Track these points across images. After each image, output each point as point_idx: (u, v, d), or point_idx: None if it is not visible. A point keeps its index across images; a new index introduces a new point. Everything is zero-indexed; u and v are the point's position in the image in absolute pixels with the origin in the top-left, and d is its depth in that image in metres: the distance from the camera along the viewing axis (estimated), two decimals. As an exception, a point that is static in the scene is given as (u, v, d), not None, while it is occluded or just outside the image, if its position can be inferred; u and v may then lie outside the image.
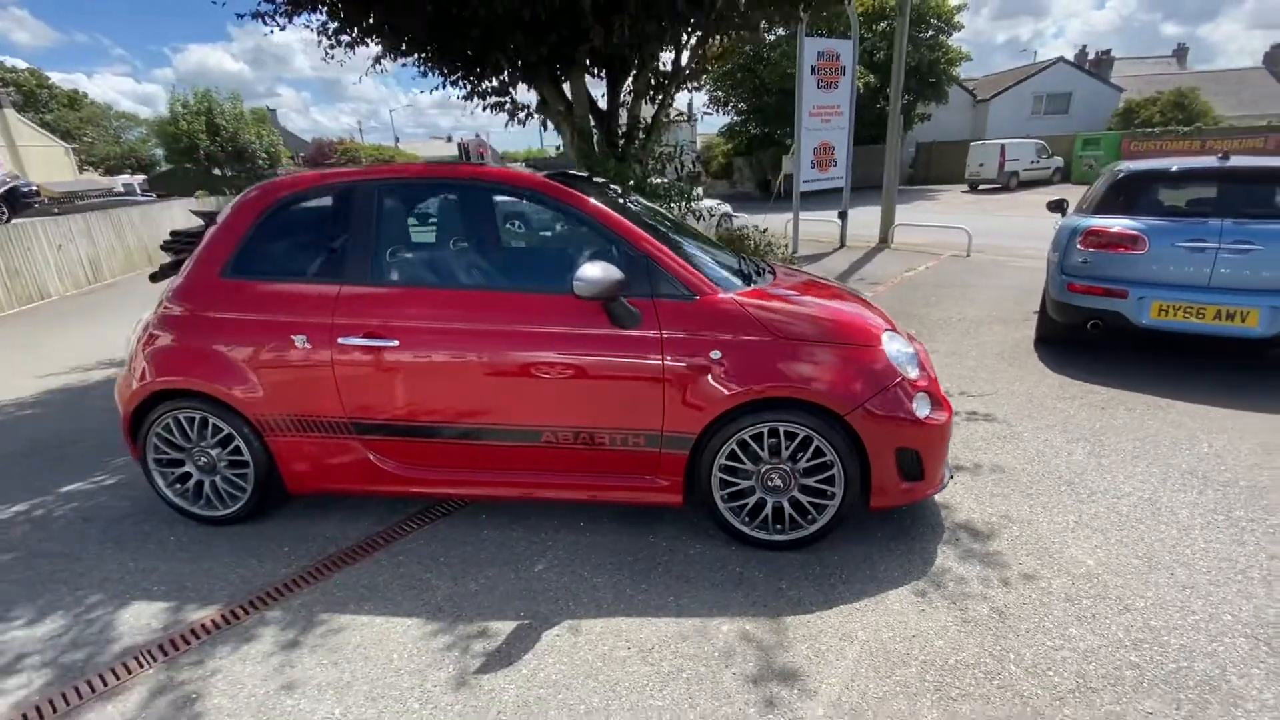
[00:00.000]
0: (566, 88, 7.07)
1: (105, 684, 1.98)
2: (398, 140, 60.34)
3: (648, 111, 7.64)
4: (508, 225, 3.23)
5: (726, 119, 26.80)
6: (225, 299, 2.68)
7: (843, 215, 12.29)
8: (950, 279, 8.33)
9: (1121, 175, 4.86)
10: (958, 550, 2.56)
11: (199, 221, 2.95)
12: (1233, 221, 4.19)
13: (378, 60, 7.12)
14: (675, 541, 2.66)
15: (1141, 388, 4.25)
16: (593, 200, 2.53)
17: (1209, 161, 4.55)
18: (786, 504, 2.52)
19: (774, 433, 2.44)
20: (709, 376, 2.39)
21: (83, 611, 2.33)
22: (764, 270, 2.94)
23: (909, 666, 1.97)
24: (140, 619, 2.28)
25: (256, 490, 2.79)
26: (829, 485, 2.47)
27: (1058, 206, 6.80)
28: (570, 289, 2.27)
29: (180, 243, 2.92)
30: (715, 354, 2.39)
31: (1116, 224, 4.53)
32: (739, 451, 2.48)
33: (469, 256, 2.96)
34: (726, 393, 2.39)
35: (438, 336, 2.52)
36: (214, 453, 2.78)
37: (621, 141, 7.28)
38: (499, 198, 2.90)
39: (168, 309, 2.74)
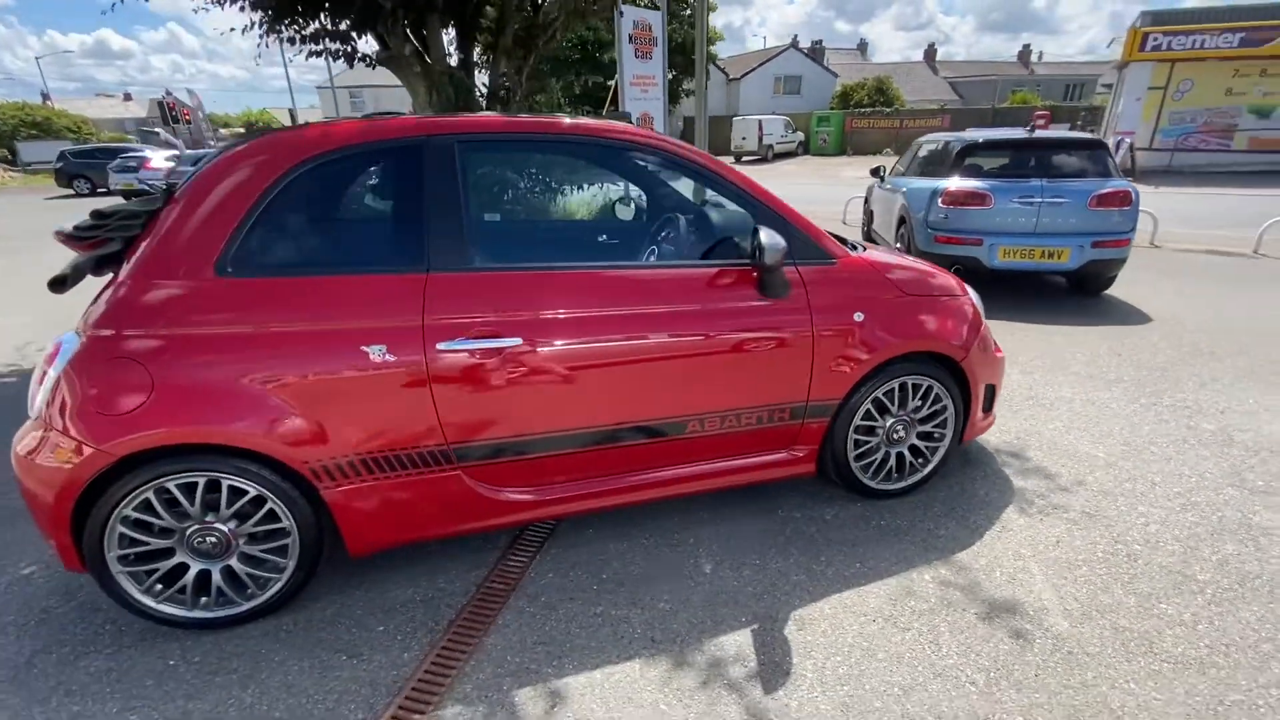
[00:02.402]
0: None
1: None
2: (47, 96, 46.28)
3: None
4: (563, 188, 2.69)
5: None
6: (231, 306, 1.86)
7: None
8: (788, 239, 9.27)
9: (961, 145, 5.88)
10: (1013, 469, 2.96)
11: (119, 201, 1.97)
12: (1047, 181, 5.40)
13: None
14: (806, 511, 2.63)
15: (1002, 316, 5.30)
16: (724, 162, 2.29)
17: (1022, 132, 5.76)
18: (907, 452, 2.66)
19: (903, 386, 2.54)
20: (854, 339, 2.39)
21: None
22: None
23: (1080, 568, 2.27)
24: (250, 783, 1.54)
25: (303, 563, 2.05)
26: (940, 428, 2.67)
27: (876, 172, 8.03)
28: (701, 259, 2.07)
29: (106, 229, 1.91)
30: (859, 316, 2.39)
31: (969, 185, 5.52)
32: (871, 409, 2.53)
33: (582, 228, 2.46)
34: (870, 354, 2.41)
35: (570, 328, 2.07)
36: (228, 527, 1.95)
37: (484, 101, 6.61)
38: (608, 158, 2.44)
39: (112, 332, 1.81)
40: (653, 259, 2.59)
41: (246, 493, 1.92)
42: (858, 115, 25.03)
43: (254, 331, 1.86)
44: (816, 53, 35.74)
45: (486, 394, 2.03)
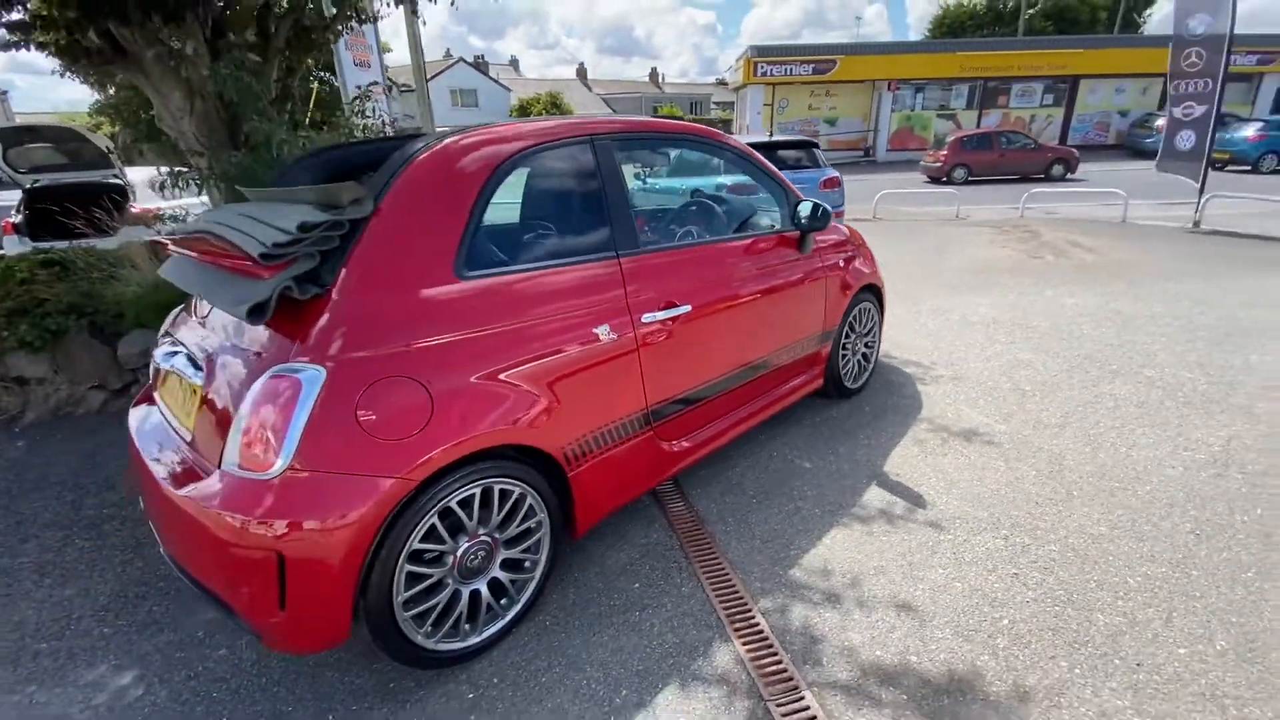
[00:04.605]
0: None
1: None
2: None
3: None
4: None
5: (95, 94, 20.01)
6: (480, 306, 1.83)
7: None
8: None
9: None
10: (895, 361, 4.28)
11: (303, 207, 1.69)
12: (790, 171, 7.23)
13: None
14: (820, 415, 3.47)
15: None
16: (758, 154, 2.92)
17: (767, 136, 7.52)
18: (861, 359, 3.70)
19: (859, 311, 3.55)
20: (842, 280, 3.29)
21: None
22: None
23: (979, 402, 3.58)
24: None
25: (552, 556, 2.08)
26: (873, 339, 3.78)
27: (638, 176, 9.28)
28: (791, 227, 2.78)
29: (307, 244, 1.62)
30: (840, 261, 3.30)
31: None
32: (848, 330, 3.49)
33: (693, 208, 2.71)
34: (849, 290, 3.35)
35: (713, 291, 2.50)
36: (494, 537, 1.90)
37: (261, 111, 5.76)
38: (694, 150, 2.75)
39: (370, 353, 1.64)
40: (756, 229, 3.08)
41: (511, 493, 1.91)
42: (543, 127, 26.95)
43: (508, 328, 1.87)
44: (481, 66, 36.87)
45: (671, 356, 2.35)
